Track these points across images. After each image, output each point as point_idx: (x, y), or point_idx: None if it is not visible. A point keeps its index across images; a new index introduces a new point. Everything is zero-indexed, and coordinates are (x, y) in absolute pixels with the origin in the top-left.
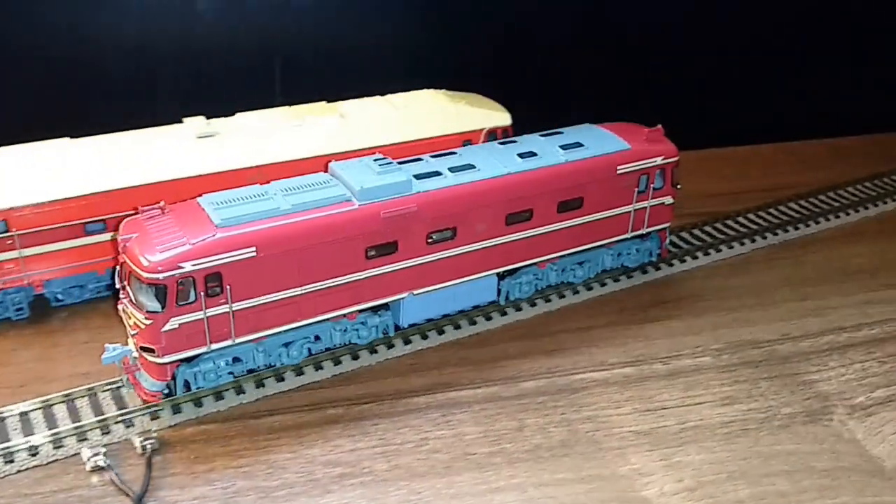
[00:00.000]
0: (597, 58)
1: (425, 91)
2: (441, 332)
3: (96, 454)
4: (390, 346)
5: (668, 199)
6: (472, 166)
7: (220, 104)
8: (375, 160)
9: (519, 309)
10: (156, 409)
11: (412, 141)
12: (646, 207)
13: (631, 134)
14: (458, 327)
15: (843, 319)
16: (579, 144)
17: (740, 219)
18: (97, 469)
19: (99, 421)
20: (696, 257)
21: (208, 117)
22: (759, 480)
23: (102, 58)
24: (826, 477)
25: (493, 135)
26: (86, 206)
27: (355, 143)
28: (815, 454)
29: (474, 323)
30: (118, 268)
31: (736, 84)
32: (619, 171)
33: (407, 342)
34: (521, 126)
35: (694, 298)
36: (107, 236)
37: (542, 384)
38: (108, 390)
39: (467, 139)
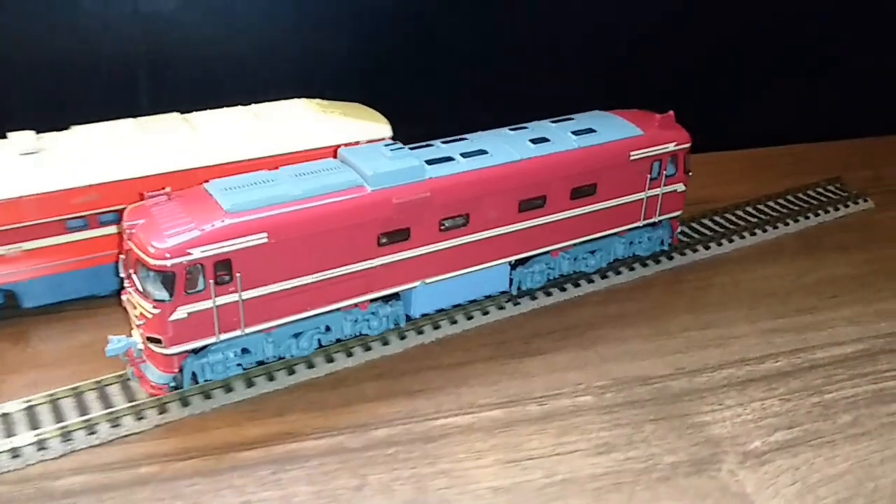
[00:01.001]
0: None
1: (296, 100)
2: (291, 372)
3: None
4: (229, 389)
5: (681, 187)
6: (484, 152)
7: (83, 116)
8: (386, 145)
9: (386, 343)
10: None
11: (271, 156)
12: (658, 195)
13: (642, 120)
14: (311, 366)
15: (747, 350)
16: (592, 130)
17: None
18: None
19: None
20: (591, 281)
21: (55, 130)
22: None
23: None
24: None
25: None
26: None
27: (203, 159)
28: None
29: (331, 360)
30: (123, 256)
31: (647, 95)
32: (632, 158)
33: (250, 385)
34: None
35: (584, 327)
36: None
37: (395, 432)
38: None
39: None
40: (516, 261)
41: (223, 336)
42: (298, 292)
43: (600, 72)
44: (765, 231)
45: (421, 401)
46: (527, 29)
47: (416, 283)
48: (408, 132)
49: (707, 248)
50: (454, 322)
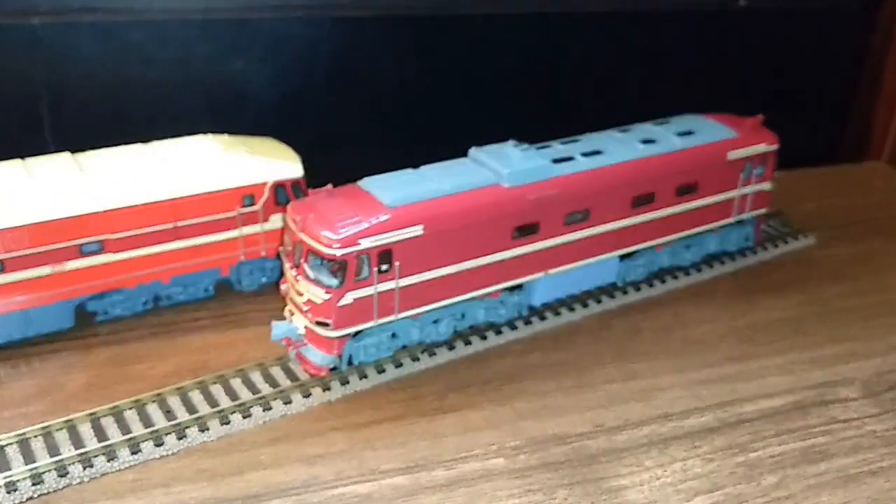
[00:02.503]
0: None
1: (202, 136)
2: (182, 436)
3: None
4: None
5: (768, 185)
6: (600, 152)
7: None
8: (515, 146)
9: (289, 402)
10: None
11: (164, 201)
12: (749, 193)
13: (734, 123)
14: (204, 429)
15: (672, 404)
16: (692, 132)
17: None
18: None
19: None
20: (515, 328)
21: None
22: None
23: None
24: None
25: (281, 188)
26: None
27: (91, 205)
28: None
29: (227, 422)
30: (288, 248)
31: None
32: (729, 158)
33: (158, 443)
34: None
35: (502, 380)
36: None
37: (289, 503)
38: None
39: (248, 194)
40: (623, 254)
41: (380, 321)
42: (444, 281)
43: (521, 102)
44: (699, 271)
45: (319, 467)
46: (448, 63)
47: (540, 274)
48: (324, 166)
49: (638, 289)
50: (364, 377)
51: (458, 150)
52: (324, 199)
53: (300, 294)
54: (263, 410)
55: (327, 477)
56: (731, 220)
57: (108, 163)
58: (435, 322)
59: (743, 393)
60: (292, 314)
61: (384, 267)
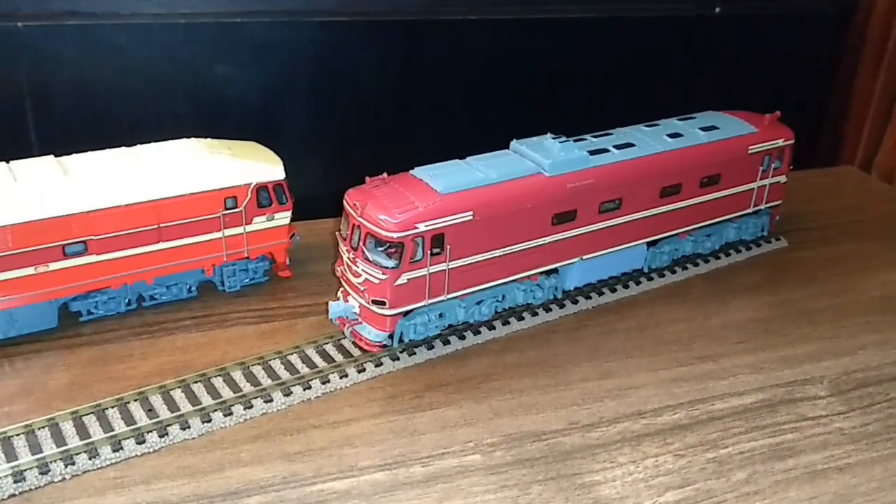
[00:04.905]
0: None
1: (185, 140)
2: (163, 434)
3: None
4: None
5: (783, 178)
6: (632, 144)
7: None
8: (554, 138)
9: (269, 400)
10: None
11: (146, 202)
12: (766, 185)
13: (753, 119)
14: (186, 427)
15: (645, 402)
16: (715, 127)
17: None
18: None
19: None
20: (493, 328)
21: None
22: None
23: None
24: None
25: (263, 191)
26: None
27: (78, 205)
28: None
29: (209, 420)
30: (344, 232)
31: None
32: (750, 151)
33: (140, 441)
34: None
35: (480, 378)
36: None
37: (269, 499)
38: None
39: (230, 196)
40: (650, 241)
41: (430, 301)
42: (489, 264)
43: (505, 106)
44: (673, 272)
45: (299, 464)
46: (432, 67)
47: (575, 259)
48: (307, 169)
49: (614, 290)
50: (344, 376)
51: (441, 155)
52: (380, 187)
53: (357, 275)
54: (244, 409)
55: (307, 473)
56: (749, 210)
57: (91, 165)
58: (478, 303)
59: (714, 391)
60: (346, 295)
61: (436, 250)
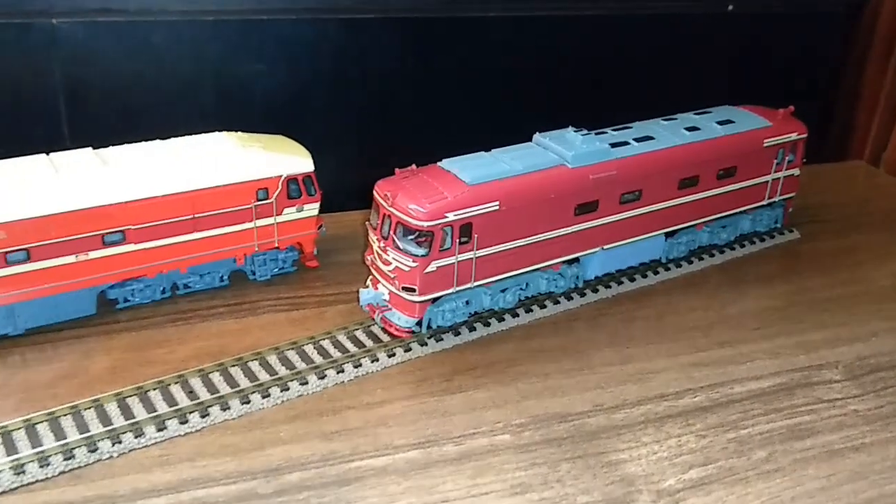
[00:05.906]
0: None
1: (216, 133)
2: (205, 415)
3: None
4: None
5: (797, 171)
6: (651, 137)
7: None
8: (576, 131)
9: (305, 382)
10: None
11: (185, 192)
12: (780, 178)
13: (767, 113)
14: (226, 408)
15: (666, 385)
16: (731, 121)
17: None
18: None
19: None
20: (516, 315)
21: None
22: None
23: None
24: None
25: (293, 183)
26: None
27: (113, 196)
28: None
29: (247, 401)
30: (375, 221)
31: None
32: (765, 145)
33: (183, 421)
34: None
35: (506, 363)
36: None
37: (309, 476)
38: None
39: (261, 188)
40: (668, 232)
41: (458, 288)
42: (514, 253)
43: (524, 102)
44: (690, 263)
45: (336, 443)
46: (451, 63)
47: (597, 249)
48: (329, 163)
49: (633, 280)
50: (375, 360)
51: (463, 148)
52: (409, 178)
53: (387, 263)
54: (281, 391)
55: (344, 452)
56: (763, 202)
57: (129, 157)
58: (503, 291)
59: (733, 375)
60: (376, 283)
61: (464, 239)
